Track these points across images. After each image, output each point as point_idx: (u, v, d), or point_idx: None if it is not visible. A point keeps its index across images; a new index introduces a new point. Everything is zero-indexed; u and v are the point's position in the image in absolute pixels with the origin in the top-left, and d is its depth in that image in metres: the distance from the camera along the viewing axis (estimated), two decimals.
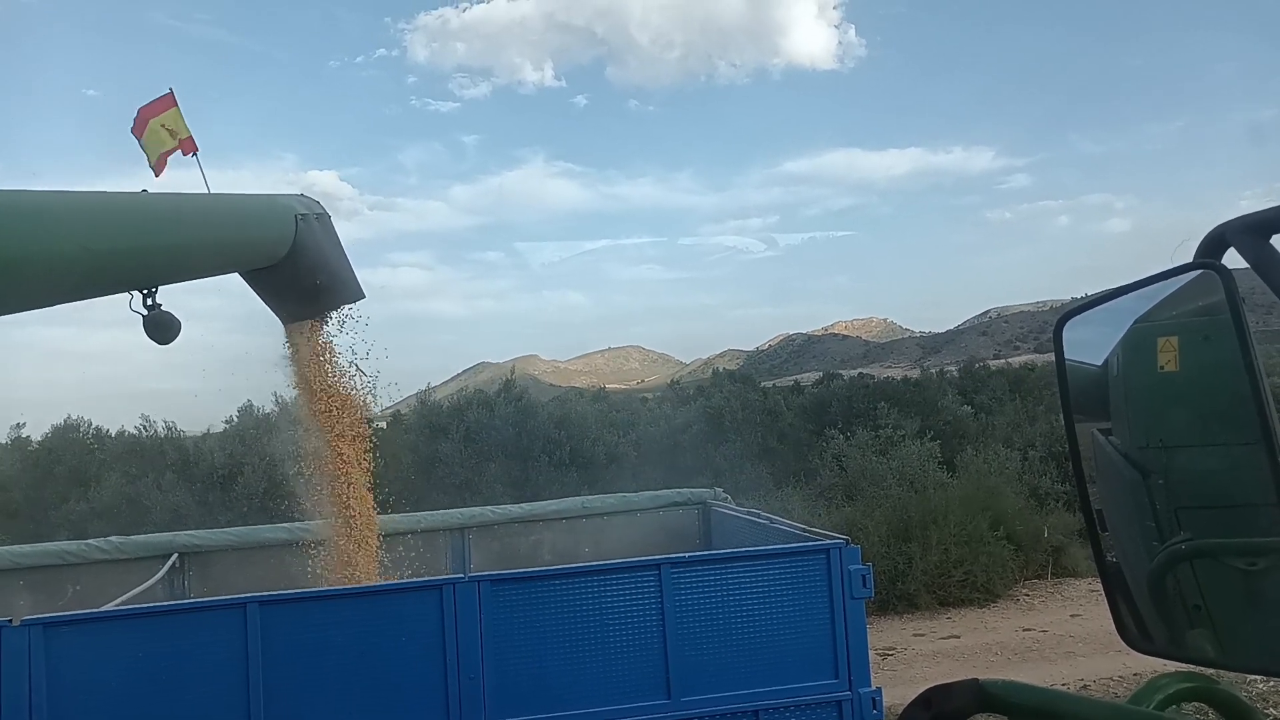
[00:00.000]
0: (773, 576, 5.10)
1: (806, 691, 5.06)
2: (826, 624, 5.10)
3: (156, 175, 6.22)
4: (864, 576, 5.14)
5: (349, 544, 6.79)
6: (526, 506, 8.19)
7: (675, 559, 5.12)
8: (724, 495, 8.11)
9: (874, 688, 5.13)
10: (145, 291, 4.85)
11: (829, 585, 5.11)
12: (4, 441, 21.72)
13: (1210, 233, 1.15)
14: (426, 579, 5.65)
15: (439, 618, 4.81)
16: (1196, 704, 1.40)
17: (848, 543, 5.20)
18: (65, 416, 21.59)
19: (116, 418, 22.10)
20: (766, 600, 5.07)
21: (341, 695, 4.71)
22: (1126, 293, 1.26)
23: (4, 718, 4.32)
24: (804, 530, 5.93)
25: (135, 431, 20.87)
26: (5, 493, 20.29)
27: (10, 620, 4.44)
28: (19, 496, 20.14)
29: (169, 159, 6.26)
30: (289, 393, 7.07)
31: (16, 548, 7.34)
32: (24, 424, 21.47)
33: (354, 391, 6.77)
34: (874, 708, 5.10)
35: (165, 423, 20.56)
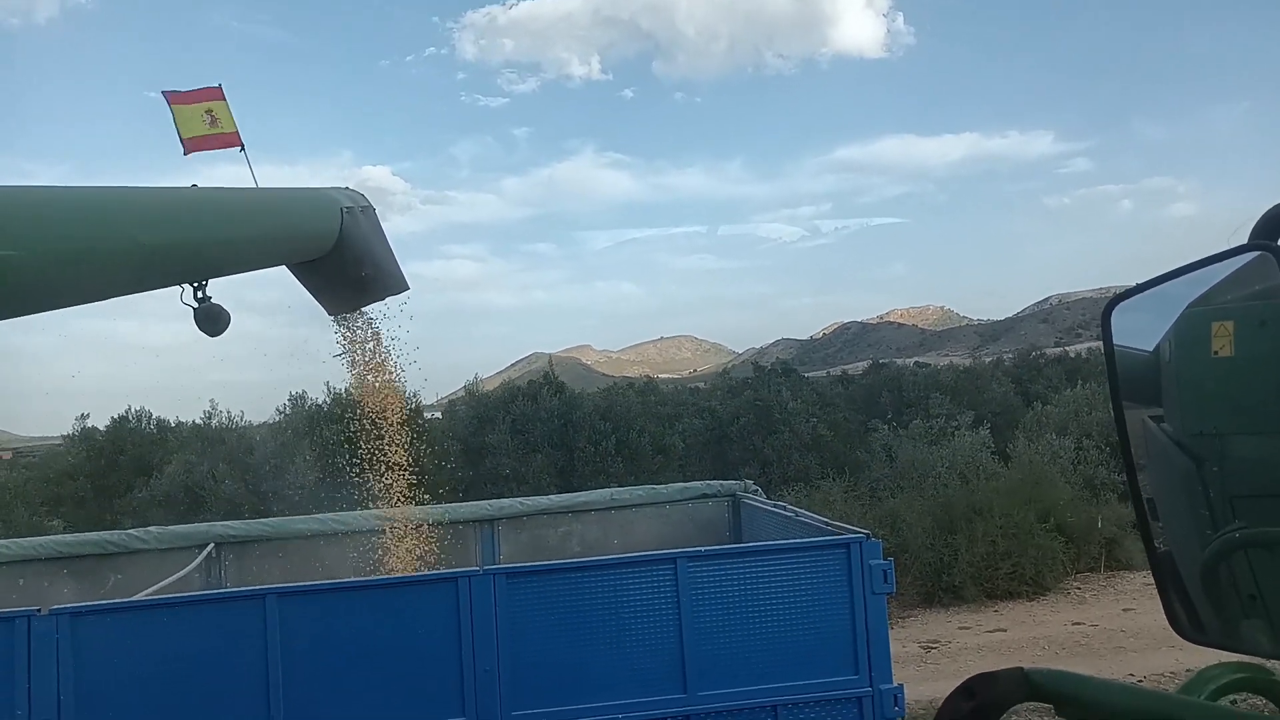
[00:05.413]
0: (791, 571, 5.03)
1: (825, 687, 4.98)
2: (846, 619, 5.01)
3: (185, 153, 6.25)
4: (885, 571, 5.03)
5: (391, 534, 6.88)
6: (555, 498, 8.20)
7: (691, 553, 5.07)
8: (754, 488, 8.00)
9: (895, 684, 5.03)
10: (195, 285, 4.94)
11: (849, 580, 5.02)
12: (71, 433, 22.55)
13: (1267, 213, 1.12)
14: (442, 572, 5.69)
15: (455, 610, 4.84)
16: (1249, 695, 1.37)
17: (868, 537, 5.10)
18: (127, 407, 22.36)
19: (177, 409, 22.82)
20: (785, 595, 5.00)
21: (359, 685, 4.77)
22: (1178, 276, 1.22)
23: (33, 703, 4.46)
24: (826, 524, 5.83)
25: (197, 422, 21.53)
26: (73, 481, 21.09)
27: (39, 609, 4.58)
28: (86, 485, 20.92)
29: (212, 151, 6.32)
30: (339, 384, 7.15)
31: (61, 537, 7.59)
32: (88, 415, 22.25)
33: (398, 382, 6.83)
34: (895, 704, 4.99)
35: (226, 412, 21.21)
